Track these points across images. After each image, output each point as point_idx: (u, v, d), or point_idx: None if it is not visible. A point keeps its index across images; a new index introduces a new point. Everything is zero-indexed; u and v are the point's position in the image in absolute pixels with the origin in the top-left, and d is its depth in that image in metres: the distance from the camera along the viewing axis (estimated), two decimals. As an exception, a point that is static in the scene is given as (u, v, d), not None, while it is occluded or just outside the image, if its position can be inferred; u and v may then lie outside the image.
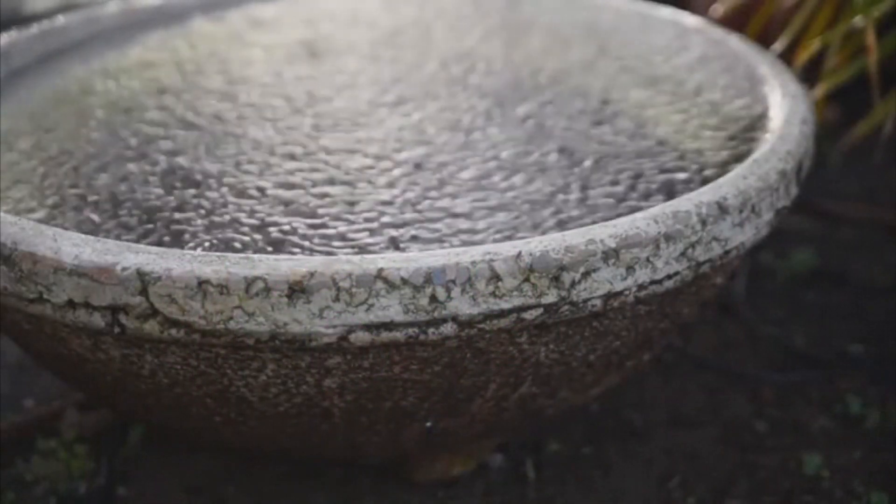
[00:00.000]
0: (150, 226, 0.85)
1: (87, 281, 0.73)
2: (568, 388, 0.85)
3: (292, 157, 0.95)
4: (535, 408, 0.86)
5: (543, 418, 0.91)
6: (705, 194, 0.80)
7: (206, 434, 0.89)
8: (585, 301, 0.75)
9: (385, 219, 0.85)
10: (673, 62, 1.11)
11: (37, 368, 1.10)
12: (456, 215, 0.86)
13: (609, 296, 0.75)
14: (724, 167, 0.89)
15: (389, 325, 0.72)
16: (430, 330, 0.73)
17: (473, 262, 0.72)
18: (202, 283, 0.71)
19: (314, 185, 0.91)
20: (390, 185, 0.91)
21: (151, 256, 0.72)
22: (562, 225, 0.84)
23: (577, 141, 0.97)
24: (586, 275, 0.74)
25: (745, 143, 0.93)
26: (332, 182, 0.91)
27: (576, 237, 0.74)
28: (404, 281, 0.71)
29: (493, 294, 0.72)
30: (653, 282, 0.77)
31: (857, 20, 1.15)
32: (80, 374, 0.85)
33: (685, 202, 0.79)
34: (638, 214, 0.77)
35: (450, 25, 1.24)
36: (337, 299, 0.71)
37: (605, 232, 0.75)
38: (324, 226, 0.85)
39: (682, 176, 0.90)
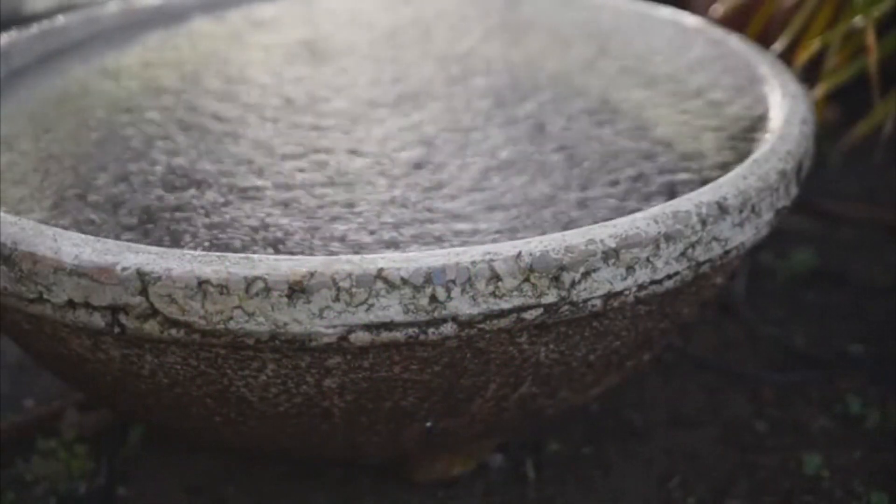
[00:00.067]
0: (150, 226, 0.85)
1: (87, 281, 0.73)
2: (568, 388, 0.85)
3: (292, 156, 0.95)
4: (535, 408, 0.86)
5: (543, 418, 0.91)
6: (705, 194, 0.80)
7: (206, 434, 0.89)
8: (585, 301, 0.75)
9: (384, 219, 0.85)
10: (673, 62, 1.11)
11: (37, 368, 1.10)
12: (455, 216, 0.86)
13: (609, 296, 0.75)
14: (724, 167, 0.89)
15: (389, 325, 0.72)
16: (430, 330, 0.73)
17: (473, 262, 0.72)
18: (202, 283, 0.71)
19: (313, 185, 0.90)
20: (390, 185, 0.91)
21: (151, 256, 0.72)
22: (562, 225, 0.84)
23: (577, 141, 0.97)
24: (586, 275, 0.74)
25: (745, 143, 0.93)
26: (330, 184, 0.91)
27: (576, 237, 0.74)
28: (404, 281, 0.71)
29: (493, 294, 0.72)
30: (653, 282, 0.77)
31: (857, 20, 1.15)
32: (80, 374, 0.85)
33: (685, 202, 0.79)
34: (638, 214, 0.77)
35: (450, 25, 1.24)
36: (337, 299, 0.71)
37: (605, 232, 0.75)
38: (322, 227, 0.85)
39: (681, 176, 0.90)
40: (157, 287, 0.71)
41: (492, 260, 0.72)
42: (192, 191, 0.90)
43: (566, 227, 0.83)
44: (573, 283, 0.74)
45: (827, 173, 1.44)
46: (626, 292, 0.76)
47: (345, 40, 1.21)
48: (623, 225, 0.76)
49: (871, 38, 1.12)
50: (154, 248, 0.73)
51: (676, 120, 1.00)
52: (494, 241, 0.82)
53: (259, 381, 0.77)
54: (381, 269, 0.71)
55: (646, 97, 1.05)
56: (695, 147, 0.94)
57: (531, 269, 0.73)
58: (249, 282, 0.71)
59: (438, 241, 0.83)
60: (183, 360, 0.77)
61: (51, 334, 0.80)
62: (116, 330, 0.74)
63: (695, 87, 1.05)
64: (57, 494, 0.96)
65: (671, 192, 0.88)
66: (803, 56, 1.20)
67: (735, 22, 1.30)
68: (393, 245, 0.82)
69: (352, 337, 0.72)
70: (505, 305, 0.73)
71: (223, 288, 0.71)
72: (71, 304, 0.74)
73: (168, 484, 0.98)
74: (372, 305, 0.71)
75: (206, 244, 0.82)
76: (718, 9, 1.37)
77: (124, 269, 0.72)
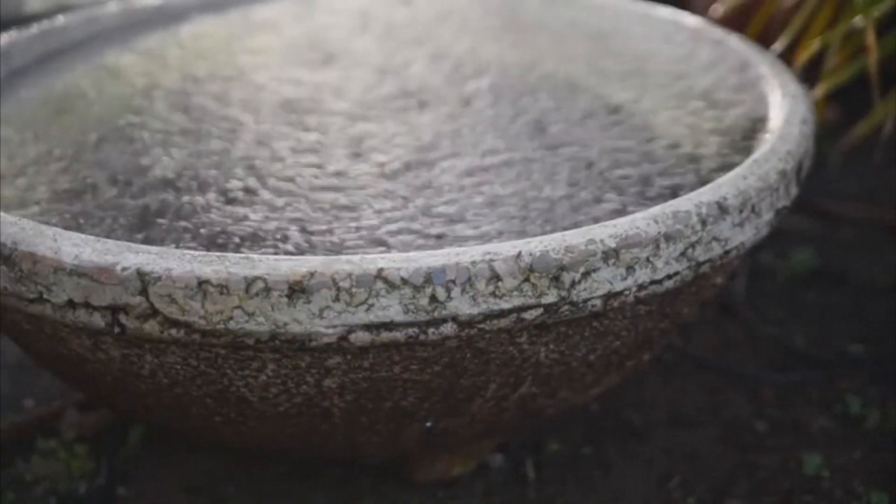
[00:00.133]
0: (147, 226, 0.85)
1: (87, 281, 0.73)
2: (568, 388, 0.85)
3: (290, 158, 0.95)
4: (535, 408, 0.86)
5: (543, 418, 0.91)
6: (705, 194, 0.80)
7: (206, 434, 0.89)
8: (585, 301, 0.75)
9: (383, 221, 0.85)
10: (672, 62, 1.11)
11: (37, 368, 1.10)
12: (454, 220, 0.85)
13: (609, 296, 0.75)
14: (723, 167, 0.89)
15: (389, 325, 0.72)
16: (430, 330, 0.73)
17: (473, 262, 0.72)
18: (202, 283, 0.71)
19: (312, 189, 0.90)
20: (388, 186, 0.90)
21: (151, 256, 0.72)
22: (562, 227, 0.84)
23: (575, 141, 0.97)
24: (586, 275, 0.74)
25: (745, 143, 0.93)
26: (329, 186, 0.91)
27: (576, 237, 0.74)
28: (404, 281, 0.71)
29: (493, 294, 0.72)
30: (653, 282, 0.77)
31: (857, 20, 1.15)
32: (80, 374, 0.85)
33: (685, 202, 0.79)
34: (638, 214, 0.77)
35: (451, 26, 1.24)
36: (337, 299, 0.71)
37: (605, 232, 0.75)
38: (320, 230, 0.85)
39: (680, 175, 0.90)
40: (157, 287, 0.71)
41: (492, 260, 0.72)
42: (187, 191, 0.90)
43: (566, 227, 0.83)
44: (573, 283, 0.74)
45: (827, 173, 1.44)
46: (626, 292, 0.76)
47: (345, 41, 1.21)
48: (623, 225, 0.76)
49: (871, 38, 1.12)
50: (154, 248, 0.73)
51: (675, 120, 1.00)
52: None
53: (259, 381, 0.77)
54: (381, 269, 0.71)
55: (644, 96, 1.05)
56: (694, 146, 0.94)
57: (531, 269, 0.73)
58: (249, 282, 0.71)
59: (436, 237, 0.83)
60: (183, 360, 0.77)
61: (51, 334, 0.80)
62: (116, 330, 0.74)
63: (694, 87, 1.05)
64: (57, 494, 0.96)
65: (671, 192, 0.87)
66: (803, 56, 1.20)
67: (735, 22, 1.30)
68: (388, 246, 0.82)
69: (352, 337, 0.72)
70: (505, 305, 0.73)
71: (223, 288, 0.71)
72: (71, 304, 0.74)
73: (168, 484, 0.98)
74: (372, 305, 0.71)
75: (204, 245, 0.82)
76: (718, 9, 1.37)
77: (124, 269, 0.72)
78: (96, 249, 0.73)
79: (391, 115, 1.03)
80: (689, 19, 1.19)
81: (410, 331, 0.72)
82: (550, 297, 0.73)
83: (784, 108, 0.94)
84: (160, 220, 0.86)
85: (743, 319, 1.20)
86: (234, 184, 0.91)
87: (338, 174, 0.92)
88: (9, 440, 1.02)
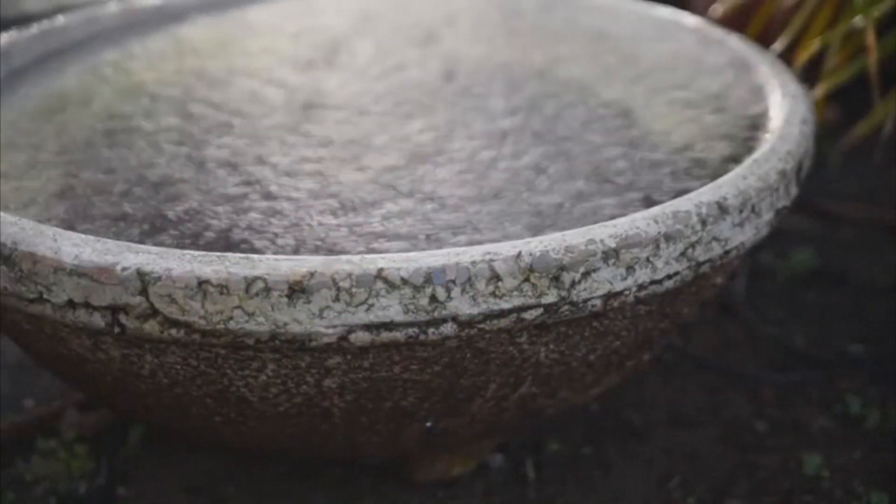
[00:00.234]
0: (144, 228, 0.85)
1: (87, 281, 0.73)
2: (568, 388, 0.85)
3: (288, 166, 0.95)
4: (535, 408, 0.86)
5: (543, 418, 0.91)
6: (705, 194, 0.80)
7: (206, 434, 0.89)
8: (585, 301, 0.75)
9: (384, 224, 0.85)
10: (672, 62, 1.11)
11: (37, 368, 1.10)
12: (455, 228, 0.85)
13: (609, 296, 0.75)
14: (723, 167, 0.89)
15: (389, 325, 0.72)
16: (430, 330, 0.73)
17: (473, 262, 0.72)
18: (202, 283, 0.71)
19: (310, 194, 0.90)
20: (394, 196, 0.90)
21: (151, 256, 0.72)
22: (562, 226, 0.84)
23: (571, 141, 0.97)
24: (586, 275, 0.74)
25: (745, 143, 0.93)
26: (327, 193, 0.91)
27: (576, 237, 0.74)
28: (404, 281, 0.71)
29: (493, 294, 0.72)
30: (653, 282, 0.77)
31: (857, 20, 1.15)
32: (80, 374, 0.85)
33: (685, 202, 0.79)
34: (637, 214, 0.77)
35: (453, 28, 1.24)
36: (337, 299, 0.71)
37: (605, 232, 0.75)
38: (316, 235, 0.85)
39: (678, 175, 0.90)
40: (157, 287, 0.71)
41: (492, 260, 0.72)
42: (182, 194, 0.90)
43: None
44: (573, 283, 0.74)
45: (827, 173, 1.44)
46: (626, 292, 0.76)
47: (345, 42, 1.21)
48: (623, 225, 0.76)
49: (871, 38, 1.12)
50: (154, 248, 0.73)
51: (674, 118, 1.00)
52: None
53: (259, 381, 0.77)
54: (381, 269, 0.71)
55: (643, 95, 1.05)
56: (694, 146, 0.94)
57: (531, 269, 0.73)
58: (249, 282, 0.71)
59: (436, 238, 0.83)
60: (183, 360, 0.77)
61: (51, 334, 0.80)
62: (116, 330, 0.74)
63: (693, 86, 1.05)
64: (57, 494, 0.96)
65: (666, 192, 0.87)
66: (803, 56, 1.20)
67: (735, 22, 1.30)
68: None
69: (352, 337, 0.72)
70: (505, 305, 0.73)
71: (223, 288, 0.71)
72: (71, 304, 0.74)
73: (168, 484, 0.98)
74: (372, 305, 0.71)
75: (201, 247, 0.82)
76: (718, 9, 1.37)
77: (124, 269, 0.72)
78: (96, 249, 0.73)
79: (397, 116, 1.03)
80: (689, 19, 1.19)
81: (410, 331, 0.72)
82: (550, 298, 0.73)
83: (784, 108, 0.94)
84: (154, 223, 0.85)
85: (743, 319, 1.20)
86: (226, 189, 0.90)
87: (335, 182, 0.92)
88: (9, 440, 1.02)
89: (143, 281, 0.72)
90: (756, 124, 0.95)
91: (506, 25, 1.25)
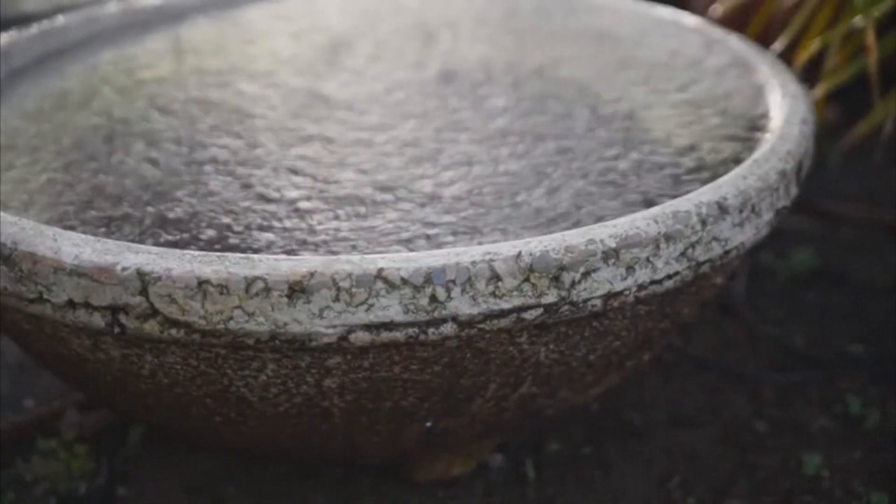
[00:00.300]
0: (144, 228, 0.85)
1: (87, 281, 0.73)
2: (568, 388, 0.85)
3: (289, 164, 0.95)
4: (535, 408, 0.86)
5: (543, 418, 0.91)
6: (705, 194, 0.80)
7: (206, 434, 0.89)
8: (585, 301, 0.75)
9: (384, 225, 0.85)
10: (672, 62, 1.11)
11: (37, 368, 1.10)
12: (456, 231, 0.85)
13: (609, 296, 0.75)
14: (723, 167, 0.89)
15: (389, 325, 0.72)
16: (430, 330, 0.73)
17: (473, 262, 0.72)
18: (202, 283, 0.71)
19: (310, 194, 0.90)
20: (394, 200, 0.90)
21: (151, 256, 0.72)
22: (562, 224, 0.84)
23: (572, 140, 0.97)
24: (586, 275, 0.74)
25: (745, 143, 0.93)
26: (327, 193, 0.91)
27: (576, 237, 0.74)
28: (404, 281, 0.71)
29: (493, 294, 0.72)
30: (653, 282, 0.77)
31: (857, 20, 1.15)
32: (80, 374, 0.85)
33: (685, 202, 0.79)
34: (638, 214, 0.77)
35: (453, 28, 1.24)
36: (337, 299, 0.71)
37: (605, 232, 0.75)
38: (316, 235, 0.85)
39: (680, 175, 0.90)
40: (157, 287, 0.71)
41: (492, 260, 0.72)
42: (180, 196, 0.90)
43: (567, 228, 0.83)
44: (573, 283, 0.74)
45: (827, 173, 1.44)
46: (626, 292, 0.76)
47: (346, 41, 1.21)
48: (623, 225, 0.76)
49: (871, 38, 1.12)
50: (154, 248, 0.73)
51: (674, 119, 1.00)
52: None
53: (259, 381, 0.77)
54: (381, 269, 0.71)
55: (643, 95, 1.05)
56: (694, 146, 0.94)
57: (531, 269, 0.73)
58: (249, 282, 0.71)
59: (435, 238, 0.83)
60: (183, 360, 0.77)
61: (51, 334, 0.80)
62: (116, 330, 0.74)
63: (693, 87, 1.05)
64: (57, 494, 0.96)
65: (668, 192, 0.87)
66: (803, 56, 1.20)
67: (735, 22, 1.30)
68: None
69: (352, 337, 0.72)
70: (505, 305, 0.73)
71: (223, 288, 0.71)
72: (71, 304, 0.74)
73: (168, 484, 0.98)
74: (372, 305, 0.71)
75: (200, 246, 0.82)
76: (718, 9, 1.37)
77: (124, 269, 0.72)
78: (96, 249, 0.73)
79: (392, 118, 1.03)
80: (689, 19, 1.19)
81: (410, 331, 0.72)
82: (550, 298, 0.73)
83: (784, 108, 0.94)
84: (152, 224, 0.85)
85: (743, 319, 1.20)
86: (226, 191, 0.91)
87: (334, 184, 0.92)
88: (9, 440, 1.02)
89: (143, 281, 0.72)
90: (756, 124, 0.95)
91: (506, 26, 1.25)
